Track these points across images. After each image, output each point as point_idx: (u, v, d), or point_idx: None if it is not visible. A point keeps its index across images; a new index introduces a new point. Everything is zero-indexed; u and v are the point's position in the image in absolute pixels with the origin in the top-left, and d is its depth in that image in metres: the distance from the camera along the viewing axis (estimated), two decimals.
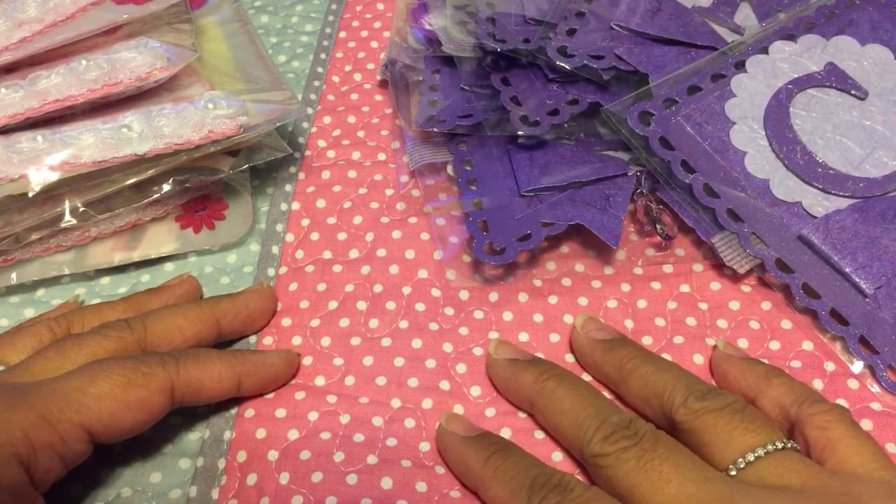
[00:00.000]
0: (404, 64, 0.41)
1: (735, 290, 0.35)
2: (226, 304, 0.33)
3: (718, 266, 0.36)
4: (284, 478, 0.30)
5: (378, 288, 0.36)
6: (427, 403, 0.32)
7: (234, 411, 0.32)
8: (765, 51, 0.37)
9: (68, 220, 0.35)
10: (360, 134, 0.42)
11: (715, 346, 0.32)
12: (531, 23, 0.38)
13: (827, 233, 0.33)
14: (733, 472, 0.26)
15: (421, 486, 0.29)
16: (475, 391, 0.32)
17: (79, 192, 0.35)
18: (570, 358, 0.33)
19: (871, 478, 0.25)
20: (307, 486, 0.30)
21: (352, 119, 0.42)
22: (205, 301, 0.33)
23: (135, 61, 0.36)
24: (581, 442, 0.28)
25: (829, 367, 0.33)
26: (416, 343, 0.34)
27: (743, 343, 0.33)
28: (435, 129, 0.37)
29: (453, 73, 0.39)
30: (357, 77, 0.45)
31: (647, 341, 0.34)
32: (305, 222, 0.38)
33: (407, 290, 0.36)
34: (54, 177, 0.33)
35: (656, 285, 0.35)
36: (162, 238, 0.37)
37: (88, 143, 0.34)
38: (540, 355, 0.33)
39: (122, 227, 0.37)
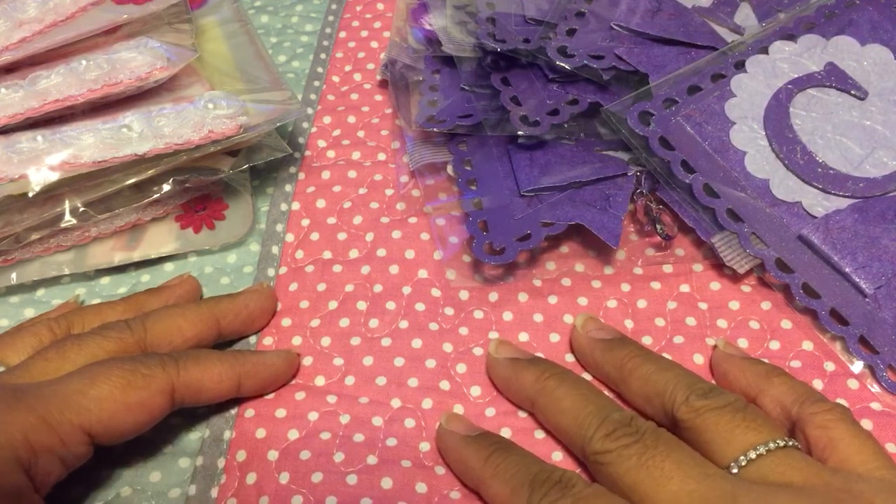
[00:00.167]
0: (404, 64, 0.41)
1: (735, 289, 0.35)
2: (226, 305, 0.33)
3: (718, 266, 0.36)
4: (284, 478, 0.30)
5: (378, 288, 0.36)
6: (427, 403, 0.32)
7: (233, 411, 0.32)
8: (765, 51, 0.37)
9: (68, 220, 0.35)
10: (360, 134, 0.42)
11: (715, 346, 0.32)
12: (531, 23, 0.38)
13: (827, 233, 0.33)
14: (735, 470, 0.25)
15: (421, 487, 0.29)
16: (475, 391, 0.32)
17: (79, 192, 0.35)
18: (570, 358, 0.33)
19: (872, 476, 0.25)
20: (307, 486, 0.30)
21: (352, 119, 0.42)
22: (205, 301, 0.33)
23: (135, 61, 0.36)
24: (582, 439, 0.28)
25: (829, 367, 0.33)
26: (416, 343, 0.34)
27: (743, 343, 0.33)
28: (435, 129, 0.37)
29: (453, 73, 0.39)
30: (357, 77, 0.45)
31: (647, 341, 0.34)
32: (305, 222, 0.38)
33: (407, 290, 0.36)
34: (54, 177, 0.33)
35: (656, 285, 0.35)
36: (162, 238, 0.37)
37: (88, 143, 0.34)
38: (540, 355, 0.32)
39: (122, 227, 0.37)
